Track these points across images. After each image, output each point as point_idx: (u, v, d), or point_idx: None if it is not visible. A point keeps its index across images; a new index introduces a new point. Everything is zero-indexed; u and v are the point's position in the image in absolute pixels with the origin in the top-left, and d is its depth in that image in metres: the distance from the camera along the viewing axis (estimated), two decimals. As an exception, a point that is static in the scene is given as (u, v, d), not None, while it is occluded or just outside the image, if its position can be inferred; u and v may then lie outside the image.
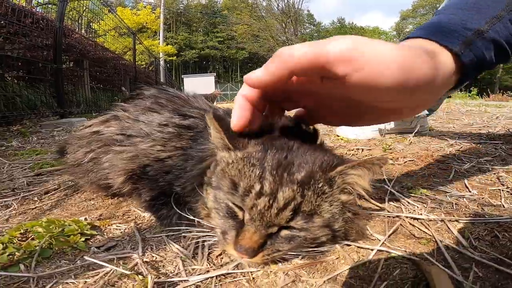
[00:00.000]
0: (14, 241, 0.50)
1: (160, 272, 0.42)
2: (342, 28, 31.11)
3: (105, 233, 0.56)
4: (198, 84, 12.32)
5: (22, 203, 0.77)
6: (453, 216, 0.58)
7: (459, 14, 0.40)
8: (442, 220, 0.57)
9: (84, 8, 4.47)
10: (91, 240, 0.53)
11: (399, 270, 0.43)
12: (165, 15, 21.05)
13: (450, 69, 0.36)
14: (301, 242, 0.41)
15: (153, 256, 0.46)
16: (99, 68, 4.51)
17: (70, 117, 2.93)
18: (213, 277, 0.41)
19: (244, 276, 0.41)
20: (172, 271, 0.42)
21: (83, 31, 4.80)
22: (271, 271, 0.42)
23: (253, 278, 0.41)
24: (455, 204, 0.65)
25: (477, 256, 0.45)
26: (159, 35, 17.76)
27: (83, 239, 0.51)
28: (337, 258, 0.45)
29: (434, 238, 0.50)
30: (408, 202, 0.66)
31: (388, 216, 0.60)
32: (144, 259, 0.45)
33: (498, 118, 2.24)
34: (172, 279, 0.40)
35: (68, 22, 3.70)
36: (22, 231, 0.53)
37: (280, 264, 0.43)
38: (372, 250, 0.47)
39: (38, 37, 2.84)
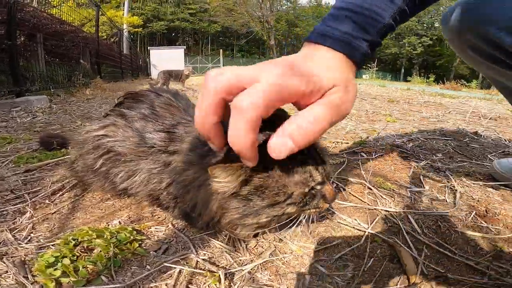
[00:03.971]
0: (76, 253, 0.57)
1: (218, 266, 0.54)
2: (319, 7, 30.72)
3: (150, 237, 0.65)
4: (166, 58, 11.35)
5: (35, 208, 0.76)
6: (411, 209, 0.78)
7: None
8: (404, 212, 0.76)
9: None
10: (143, 245, 0.62)
11: (380, 250, 0.61)
12: (132, -16, 18.75)
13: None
14: None
15: (205, 254, 0.58)
16: (56, 42, 4.10)
17: (27, 95, 2.69)
18: (258, 264, 0.54)
19: (280, 260, 0.55)
20: (226, 264, 0.55)
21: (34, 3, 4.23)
22: (298, 255, 0.57)
23: (287, 261, 0.56)
24: (414, 199, 0.84)
25: (426, 240, 0.64)
26: (123, 6, 16.04)
27: (137, 245, 0.61)
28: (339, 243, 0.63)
29: (400, 226, 0.69)
30: (382, 196, 0.84)
31: (368, 209, 0.78)
32: (201, 257, 0.56)
33: (451, 113, 2.64)
34: (230, 270, 0.53)
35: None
36: (74, 243, 0.59)
37: (303, 250, 0.58)
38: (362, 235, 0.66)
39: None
